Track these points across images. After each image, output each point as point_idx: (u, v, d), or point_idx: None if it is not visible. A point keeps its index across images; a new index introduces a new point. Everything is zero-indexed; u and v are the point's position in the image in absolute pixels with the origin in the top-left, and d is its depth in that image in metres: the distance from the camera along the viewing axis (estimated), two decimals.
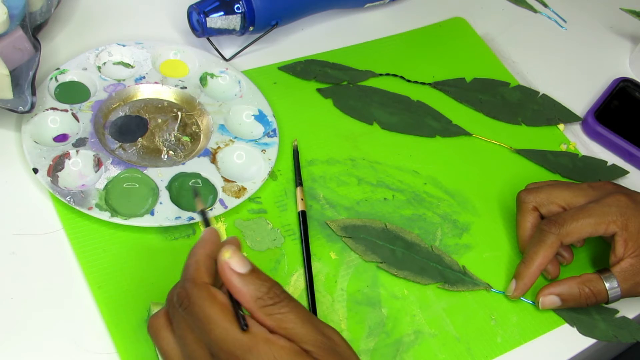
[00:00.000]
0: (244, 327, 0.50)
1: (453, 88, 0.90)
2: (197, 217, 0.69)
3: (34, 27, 0.78)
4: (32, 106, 0.71)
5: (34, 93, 0.72)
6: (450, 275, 0.73)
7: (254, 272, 0.52)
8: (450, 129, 0.86)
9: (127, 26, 0.87)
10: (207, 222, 0.57)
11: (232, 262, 0.51)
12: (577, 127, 0.91)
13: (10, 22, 0.73)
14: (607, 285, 0.70)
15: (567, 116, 0.90)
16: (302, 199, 0.75)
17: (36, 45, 0.75)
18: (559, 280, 0.73)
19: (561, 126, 0.89)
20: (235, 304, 0.51)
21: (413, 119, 0.85)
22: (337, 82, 0.86)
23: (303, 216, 0.74)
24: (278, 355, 0.49)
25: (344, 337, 0.53)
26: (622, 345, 0.83)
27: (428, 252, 0.74)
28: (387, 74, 0.89)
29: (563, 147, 0.87)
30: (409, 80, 0.89)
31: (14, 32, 0.73)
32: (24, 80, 0.72)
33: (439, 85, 0.90)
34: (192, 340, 0.51)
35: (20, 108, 0.70)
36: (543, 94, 0.92)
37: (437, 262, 0.74)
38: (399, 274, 0.72)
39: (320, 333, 0.51)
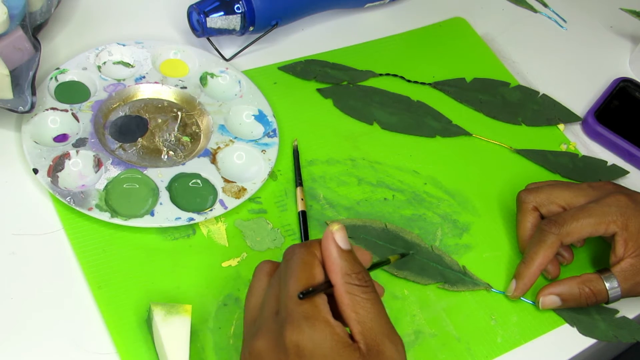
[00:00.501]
0: (300, 295, 0.51)
1: (453, 88, 0.90)
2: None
3: (34, 27, 0.78)
4: (32, 106, 0.71)
5: (34, 93, 0.72)
6: (450, 275, 0.73)
7: (353, 253, 0.55)
8: (450, 129, 0.86)
9: (127, 26, 0.87)
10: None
11: (337, 235, 0.54)
12: (577, 127, 0.91)
13: (10, 22, 0.73)
14: (607, 285, 0.70)
15: (567, 116, 0.90)
16: (302, 199, 0.75)
17: (36, 45, 0.75)
18: (559, 280, 0.73)
19: (561, 126, 0.89)
20: (323, 283, 0.53)
21: (413, 119, 0.85)
22: (337, 82, 0.86)
23: (303, 216, 0.74)
24: (330, 338, 0.50)
25: (405, 353, 0.54)
26: (622, 345, 0.83)
27: (428, 252, 0.74)
28: (387, 74, 0.89)
29: (563, 147, 0.87)
30: (409, 80, 0.89)
31: (14, 32, 0.73)
32: (24, 80, 0.72)
33: (439, 85, 0.90)
34: (273, 293, 0.54)
35: (20, 108, 0.70)
36: (543, 94, 0.91)
37: (437, 262, 0.74)
38: (399, 274, 0.72)
39: (384, 335, 0.52)
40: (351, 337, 0.52)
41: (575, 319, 0.72)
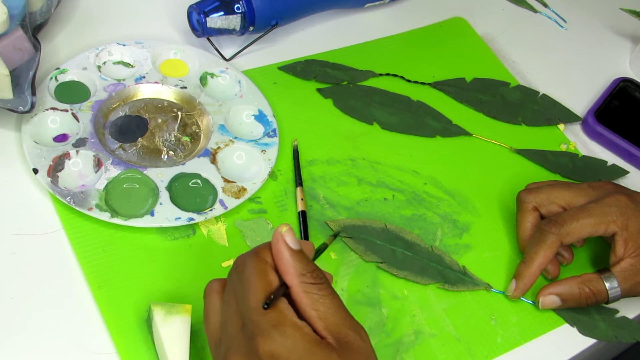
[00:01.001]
0: (264, 305, 0.51)
1: (453, 88, 0.90)
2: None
3: (34, 27, 0.78)
4: (32, 106, 0.71)
5: (34, 93, 0.72)
6: (450, 275, 0.73)
7: (303, 252, 0.55)
8: (450, 129, 0.86)
9: (127, 26, 0.87)
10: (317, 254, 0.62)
11: (287, 236, 0.54)
12: (577, 127, 0.91)
13: (11, 22, 0.73)
14: (607, 285, 0.70)
15: (567, 116, 0.90)
16: (302, 199, 0.75)
17: (36, 45, 0.75)
18: (559, 280, 0.73)
19: (561, 126, 0.89)
20: (280, 287, 0.53)
21: (413, 119, 0.85)
22: (337, 82, 0.86)
23: (303, 216, 0.74)
24: (301, 341, 0.50)
25: (369, 340, 0.54)
26: (622, 345, 0.83)
27: (428, 252, 0.74)
28: (387, 74, 0.89)
29: (563, 147, 0.87)
30: (409, 80, 0.89)
31: (14, 32, 0.73)
32: (24, 80, 0.72)
33: (439, 85, 0.90)
34: (232, 309, 0.54)
35: (20, 108, 0.70)
36: (543, 94, 0.92)
37: (437, 262, 0.74)
38: (399, 274, 0.72)
39: (347, 326, 0.53)
40: (316, 333, 0.52)
41: (575, 319, 0.72)
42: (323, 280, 0.54)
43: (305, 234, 0.72)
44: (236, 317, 0.53)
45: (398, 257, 0.73)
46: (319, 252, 0.61)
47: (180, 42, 0.86)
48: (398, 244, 0.74)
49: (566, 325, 0.72)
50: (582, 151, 0.88)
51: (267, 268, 0.54)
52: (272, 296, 0.52)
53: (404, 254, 0.73)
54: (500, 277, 0.75)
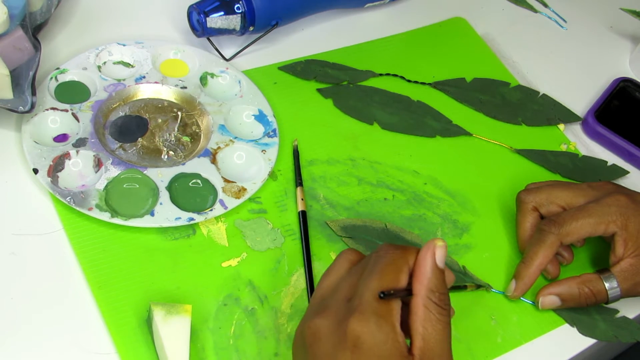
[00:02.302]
0: (381, 294, 0.51)
1: (453, 88, 0.90)
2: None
3: (34, 27, 0.77)
4: (32, 106, 0.71)
5: (34, 93, 0.72)
6: None
7: (444, 274, 0.55)
8: (450, 129, 0.85)
9: (127, 26, 0.87)
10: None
11: (439, 251, 0.54)
12: (577, 127, 0.91)
13: (11, 22, 0.73)
14: (606, 285, 0.70)
15: (567, 116, 0.90)
16: (302, 199, 0.74)
17: (36, 45, 0.75)
18: (558, 280, 0.73)
19: (561, 126, 0.89)
20: (405, 290, 0.53)
21: (413, 119, 0.85)
22: (337, 82, 0.86)
23: (303, 216, 0.74)
24: (391, 343, 0.51)
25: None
26: (622, 345, 0.83)
27: None
28: (387, 74, 0.89)
29: (563, 147, 0.87)
30: (409, 80, 0.89)
31: (14, 32, 0.73)
32: (24, 80, 0.72)
33: (439, 85, 0.89)
34: (351, 281, 0.55)
35: (20, 108, 0.70)
36: (543, 94, 0.91)
37: None
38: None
39: (441, 359, 0.52)
40: (409, 349, 0.52)
41: (575, 319, 0.72)
42: (447, 308, 0.53)
43: (305, 234, 0.72)
44: (349, 289, 0.54)
45: None
46: (454, 288, 0.61)
47: (180, 42, 0.86)
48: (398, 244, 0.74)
49: (566, 325, 0.72)
50: (582, 151, 0.88)
51: (404, 266, 0.54)
52: (392, 291, 0.52)
53: None
54: (500, 277, 0.75)
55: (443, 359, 0.52)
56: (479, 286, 0.68)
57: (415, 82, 0.89)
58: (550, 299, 0.71)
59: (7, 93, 0.71)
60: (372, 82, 0.88)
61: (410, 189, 0.79)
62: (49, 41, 0.82)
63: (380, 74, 0.89)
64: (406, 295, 0.53)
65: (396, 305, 0.52)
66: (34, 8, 0.78)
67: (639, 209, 0.71)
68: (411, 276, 0.54)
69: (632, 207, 0.71)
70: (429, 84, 0.89)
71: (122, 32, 0.85)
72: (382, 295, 0.51)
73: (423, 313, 0.52)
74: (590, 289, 0.70)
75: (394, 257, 0.54)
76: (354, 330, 0.50)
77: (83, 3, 0.87)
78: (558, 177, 0.84)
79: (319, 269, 0.71)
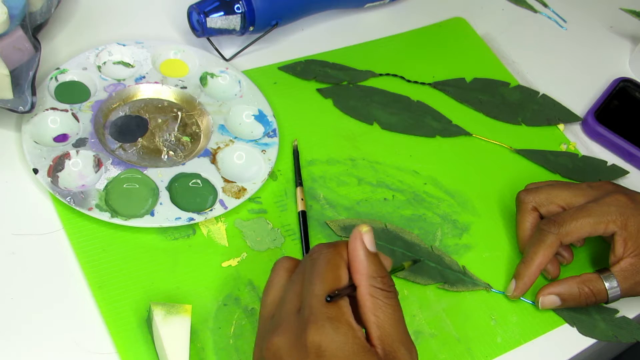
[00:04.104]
0: (327, 298, 0.51)
1: (453, 88, 0.90)
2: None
3: (34, 27, 0.78)
4: (32, 106, 0.71)
5: (34, 93, 0.72)
6: (450, 276, 0.73)
7: (379, 256, 0.55)
8: (450, 129, 0.86)
9: (127, 26, 0.87)
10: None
11: (366, 236, 0.54)
12: (577, 127, 0.91)
13: (11, 22, 0.73)
14: (606, 284, 0.70)
15: (567, 116, 0.90)
16: (302, 199, 0.75)
17: (36, 45, 0.75)
18: (558, 280, 0.73)
19: (561, 126, 0.89)
20: (348, 287, 0.53)
21: (413, 119, 0.85)
22: (337, 82, 0.86)
23: (303, 216, 0.74)
24: (351, 342, 0.51)
25: None
26: (622, 345, 0.83)
27: (428, 252, 0.74)
28: (387, 74, 0.89)
29: (563, 147, 0.87)
30: (409, 80, 0.89)
31: (14, 32, 0.73)
32: (24, 80, 0.72)
33: (439, 85, 0.90)
34: (295, 290, 0.54)
35: (21, 108, 0.70)
36: (543, 94, 0.92)
37: (437, 263, 0.74)
38: (399, 274, 0.72)
39: (401, 341, 0.52)
40: (368, 340, 0.52)
41: (575, 319, 0.72)
42: (391, 289, 0.54)
43: (305, 234, 0.72)
44: (296, 298, 0.54)
45: (398, 257, 0.73)
46: (393, 270, 0.61)
47: (180, 42, 0.86)
48: (398, 244, 0.74)
49: (566, 325, 0.72)
50: (582, 151, 0.88)
51: (340, 263, 0.54)
52: (337, 292, 0.52)
53: (404, 254, 0.73)
54: (500, 277, 0.75)
55: (402, 338, 0.53)
56: (415, 261, 0.67)
57: (415, 82, 0.89)
58: (550, 298, 0.71)
59: (7, 93, 0.71)
60: (372, 82, 0.88)
61: (410, 189, 0.79)
62: (48, 41, 0.82)
63: (380, 74, 0.89)
64: (352, 291, 0.53)
65: (345, 303, 0.53)
66: (34, 8, 0.78)
67: (639, 208, 0.71)
68: (350, 269, 0.55)
69: (631, 206, 0.71)
70: (429, 84, 0.89)
71: (122, 32, 0.85)
72: (329, 299, 0.51)
73: (371, 302, 0.53)
74: (590, 289, 0.70)
75: (328, 256, 0.54)
76: (313, 341, 0.50)
77: (83, 3, 0.87)
78: (558, 177, 0.84)
79: None
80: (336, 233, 0.74)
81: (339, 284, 0.53)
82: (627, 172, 0.87)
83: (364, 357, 0.50)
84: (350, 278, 0.54)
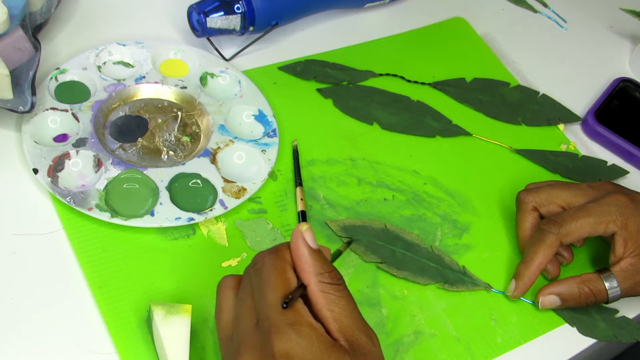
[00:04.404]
0: (283, 304, 0.51)
1: (453, 88, 0.90)
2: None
3: (34, 27, 0.77)
4: (32, 106, 0.71)
5: (34, 93, 0.72)
6: (450, 276, 0.73)
7: (322, 252, 0.55)
8: (450, 129, 0.85)
9: (127, 26, 0.87)
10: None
11: (307, 234, 0.54)
12: (577, 127, 0.91)
13: (11, 22, 0.73)
14: (606, 284, 0.70)
15: (567, 116, 0.90)
16: (302, 199, 0.75)
17: (36, 45, 0.75)
18: (558, 280, 0.73)
19: (561, 126, 0.89)
20: (299, 288, 0.53)
21: (413, 119, 0.85)
22: (337, 82, 0.86)
23: (303, 216, 0.74)
24: (317, 341, 0.51)
25: (380, 345, 0.55)
26: (622, 345, 0.83)
27: (428, 253, 0.74)
28: (387, 74, 0.89)
29: (563, 147, 0.87)
30: (409, 80, 0.89)
31: (14, 32, 0.73)
32: (24, 80, 0.72)
33: (439, 85, 0.90)
34: (247, 306, 0.54)
35: (21, 108, 0.70)
36: (543, 94, 0.92)
37: (437, 263, 0.74)
38: (399, 274, 0.72)
39: (360, 330, 0.53)
40: (328, 334, 0.52)
41: (575, 319, 0.72)
42: (340, 282, 0.54)
43: None
44: (251, 313, 0.53)
45: (398, 257, 0.73)
46: (334, 258, 0.61)
47: (180, 42, 0.86)
48: (398, 244, 0.74)
49: (566, 325, 0.72)
50: (582, 151, 0.88)
51: (286, 266, 0.54)
52: (290, 296, 0.52)
53: (403, 254, 0.73)
54: (500, 277, 0.75)
55: (360, 327, 0.53)
56: (348, 242, 0.68)
57: (415, 82, 0.89)
58: (550, 298, 0.71)
59: (7, 93, 0.71)
60: (372, 82, 0.88)
61: (410, 189, 0.79)
62: (48, 41, 0.82)
63: (380, 74, 0.89)
64: (303, 291, 0.54)
65: (301, 305, 0.53)
66: (34, 8, 0.78)
67: (639, 208, 0.71)
68: (296, 270, 0.55)
69: (631, 206, 0.71)
70: (429, 84, 0.89)
71: (122, 32, 0.85)
72: (284, 305, 0.51)
73: (323, 298, 0.53)
74: (591, 289, 0.70)
75: (271, 262, 0.54)
76: (280, 351, 0.50)
77: (83, 3, 0.87)
78: (558, 177, 0.84)
79: None
80: (336, 233, 0.74)
81: (290, 288, 0.53)
82: (627, 172, 0.87)
83: (332, 353, 0.51)
84: (299, 278, 0.54)
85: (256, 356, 0.51)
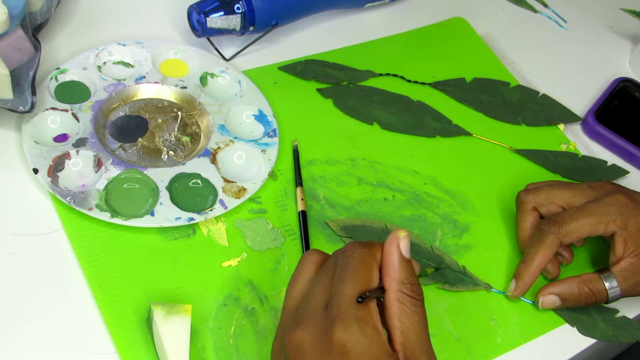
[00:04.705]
0: (359, 299, 0.51)
1: (453, 88, 0.90)
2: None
3: (34, 27, 0.77)
4: (33, 106, 0.71)
5: (34, 93, 0.71)
6: (450, 276, 0.73)
7: (411, 263, 0.55)
8: (450, 129, 0.85)
9: (127, 26, 0.87)
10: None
11: (403, 242, 0.54)
12: (577, 127, 0.91)
13: (11, 22, 0.73)
14: (606, 284, 0.70)
15: (567, 116, 0.90)
16: (302, 199, 0.74)
17: (36, 45, 0.75)
18: (558, 280, 0.73)
19: (561, 126, 0.89)
20: (379, 289, 0.53)
21: (413, 119, 0.85)
22: (337, 82, 0.86)
23: (303, 216, 0.74)
24: (376, 345, 0.50)
25: None
26: (622, 345, 0.83)
27: (428, 253, 0.74)
28: (387, 74, 0.89)
29: (563, 147, 0.87)
30: (409, 80, 0.89)
31: (14, 32, 0.73)
32: (24, 80, 0.72)
33: (439, 85, 0.89)
34: (323, 285, 0.54)
35: (21, 108, 0.70)
36: (543, 94, 0.91)
37: (437, 263, 0.74)
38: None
39: (423, 350, 0.52)
40: (390, 344, 0.52)
41: (575, 319, 0.72)
42: (419, 297, 0.54)
43: (305, 234, 0.72)
44: (323, 294, 0.53)
45: None
46: (420, 275, 0.60)
47: (180, 42, 0.86)
48: None
49: (566, 326, 0.72)
50: (582, 151, 0.88)
51: (373, 263, 0.54)
52: (367, 293, 0.52)
53: None
54: (500, 277, 0.75)
55: (424, 347, 0.53)
56: (437, 268, 0.68)
57: (415, 82, 0.89)
58: (550, 298, 0.71)
59: (7, 93, 0.71)
60: (372, 82, 0.88)
61: (410, 189, 0.79)
62: (48, 41, 0.82)
63: (380, 74, 0.89)
64: (382, 293, 0.53)
65: (374, 305, 0.52)
66: (34, 8, 0.78)
67: (639, 208, 0.71)
68: (381, 271, 0.54)
69: (631, 206, 0.71)
70: (429, 84, 0.89)
71: (122, 32, 0.85)
72: (360, 299, 0.51)
73: (398, 308, 0.52)
74: (590, 289, 0.70)
75: (362, 255, 0.54)
76: (338, 340, 0.50)
77: (83, 3, 0.87)
78: (558, 177, 0.84)
79: None
80: (336, 233, 0.74)
81: (370, 285, 0.53)
82: (627, 172, 0.87)
83: None
84: (381, 280, 0.54)
85: (314, 336, 0.51)
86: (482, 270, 0.74)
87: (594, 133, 0.89)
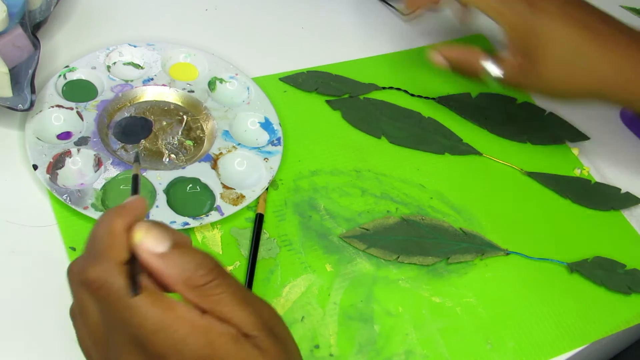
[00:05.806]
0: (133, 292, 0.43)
1: (457, 103, 0.88)
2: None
3: (34, 25, 0.78)
4: (32, 104, 0.71)
5: (33, 91, 0.72)
6: (452, 246, 0.75)
7: (177, 247, 0.45)
8: (459, 147, 0.84)
9: (127, 26, 0.87)
10: (135, 189, 0.50)
11: (147, 242, 0.44)
12: (591, 151, 0.88)
13: (10, 20, 0.73)
14: (487, 66, 0.76)
15: (575, 135, 0.89)
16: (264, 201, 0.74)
17: (35, 44, 0.75)
18: (455, 45, 0.80)
19: (575, 150, 0.87)
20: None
21: (422, 134, 0.84)
22: (339, 95, 0.85)
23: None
24: (217, 344, 0.43)
25: (282, 317, 0.48)
26: (622, 345, 0.81)
27: (419, 227, 0.76)
28: (391, 88, 0.88)
29: (577, 172, 0.85)
30: (412, 94, 0.88)
31: (14, 30, 0.73)
32: (24, 78, 0.72)
33: (443, 100, 0.88)
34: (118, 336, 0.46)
35: (20, 106, 0.71)
36: (550, 112, 0.90)
37: (433, 235, 0.75)
38: (408, 259, 0.73)
39: (258, 314, 0.45)
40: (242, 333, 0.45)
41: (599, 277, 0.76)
42: (213, 274, 0.45)
43: (257, 238, 0.71)
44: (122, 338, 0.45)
45: (428, 248, 0.75)
46: (135, 187, 0.50)
47: (192, 46, 0.85)
48: (433, 235, 0.75)
49: (565, 356, 0.71)
50: (596, 177, 0.86)
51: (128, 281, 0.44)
52: (133, 284, 0.43)
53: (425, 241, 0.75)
54: (505, 294, 0.74)
55: (257, 308, 0.46)
56: (136, 159, 0.54)
57: (419, 96, 0.88)
58: (438, 57, 0.79)
59: (7, 91, 0.71)
60: (375, 95, 0.87)
61: (415, 203, 0.78)
62: (48, 39, 0.82)
63: (384, 87, 0.88)
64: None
65: (185, 308, 0.44)
66: (33, 6, 0.78)
67: (536, 13, 0.74)
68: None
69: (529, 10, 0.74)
70: (433, 98, 0.88)
71: (122, 32, 0.85)
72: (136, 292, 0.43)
73: (205, 303, 0.44)
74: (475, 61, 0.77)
75: (115, 289, 0.43)
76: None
77: (83, 2, 0.87)
78: (568, 202, 0.82)
79: (312, 281, 0.70)
80: (359, 249, 0.73)
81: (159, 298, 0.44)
82: None
83: (247, 352, 0.44)
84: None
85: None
86: (485, 286, 0.74)
87: (632, 122, 0.91)
